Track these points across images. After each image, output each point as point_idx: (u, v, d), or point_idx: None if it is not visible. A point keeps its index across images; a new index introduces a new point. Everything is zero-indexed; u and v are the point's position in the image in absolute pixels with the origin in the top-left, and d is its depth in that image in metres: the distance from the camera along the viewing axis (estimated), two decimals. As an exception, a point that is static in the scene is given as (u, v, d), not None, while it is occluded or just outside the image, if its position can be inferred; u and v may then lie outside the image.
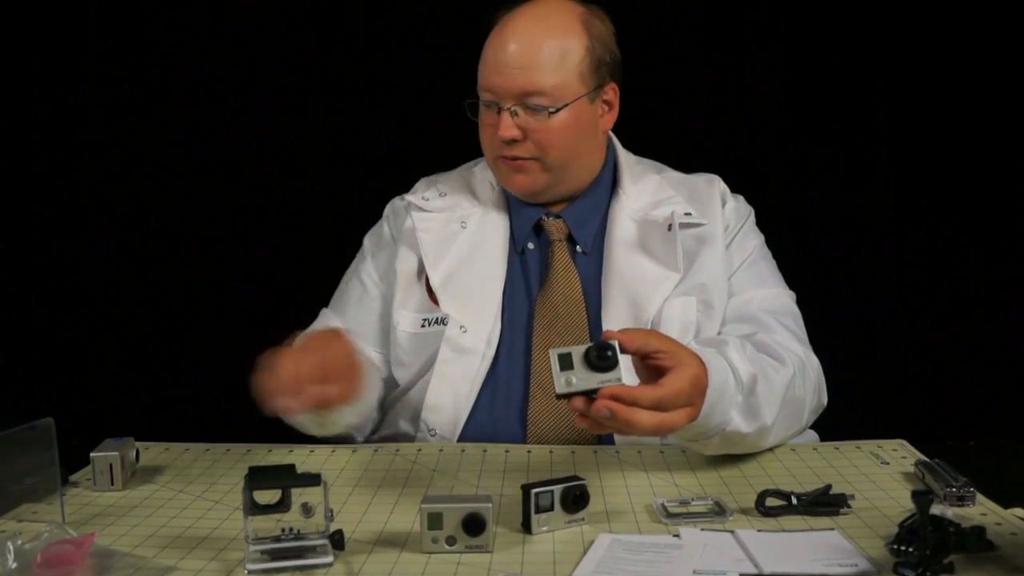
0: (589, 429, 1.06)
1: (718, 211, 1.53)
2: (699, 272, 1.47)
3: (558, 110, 1.45)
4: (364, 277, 1.60)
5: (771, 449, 1.33)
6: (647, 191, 1.57)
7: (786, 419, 1.30)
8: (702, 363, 1.12)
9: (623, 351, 1.05)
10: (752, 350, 1.29)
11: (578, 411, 1.04)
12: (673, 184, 1.58)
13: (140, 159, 2.19)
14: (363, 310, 1.57)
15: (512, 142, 1.46)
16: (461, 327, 1.46)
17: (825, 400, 1.43)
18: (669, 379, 1.06)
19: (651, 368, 1.08)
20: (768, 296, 1.49)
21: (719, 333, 1.45)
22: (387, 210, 1.65)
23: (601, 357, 1.03)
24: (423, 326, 1.50)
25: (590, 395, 1.03)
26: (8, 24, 2.16)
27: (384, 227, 1.63)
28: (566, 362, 1.03)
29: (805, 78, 2.10)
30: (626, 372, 1.05)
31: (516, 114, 1.45)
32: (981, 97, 2.06)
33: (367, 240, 1.65)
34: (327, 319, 1.57)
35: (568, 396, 1.03)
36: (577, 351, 1.03)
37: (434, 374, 1.45)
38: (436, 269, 1.51)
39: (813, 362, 1.41)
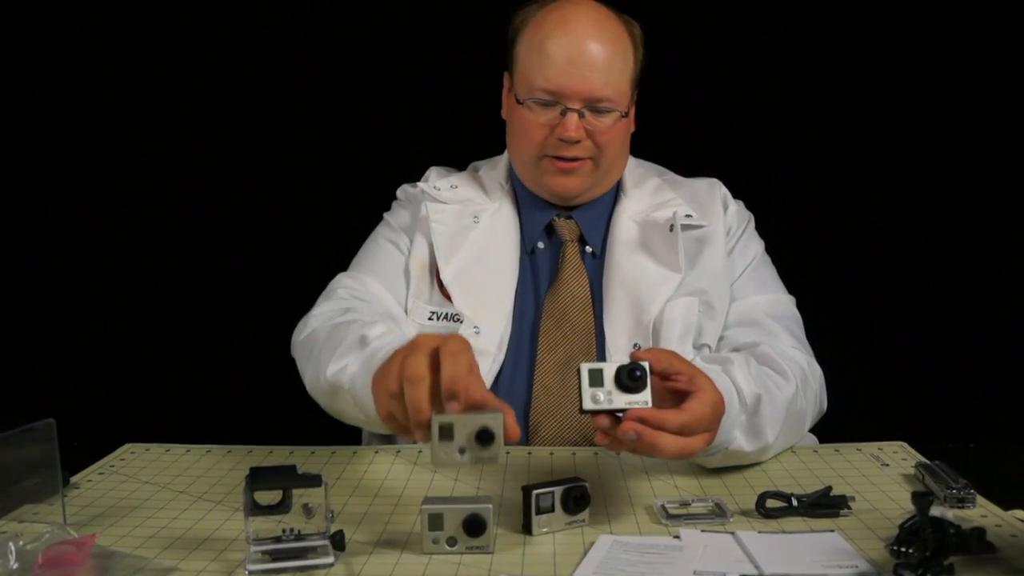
0: (609, 447, 1.05)
1: (719, 214, 1.54)
2: (701, 274, 1.47)
3: (624, 115, 1.47)
4: (400, 245, 1.56)
5: (771, 452, 1.33)
6: (648, 193, 1.57)
7: (788, 433, 1.31)
8: (718, 389, 1.11)
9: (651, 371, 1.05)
10: (755, 366, 1.29)
11: (601, 428, 1.03)
12: (674, 187, 1.59)
13: (141, 158, 2.20)
14: (401, 275, 1.53)
15: (575, 142, 1.45)
16: (475, 328, 1.46)
17: (825, 406, 1.43)
18: (692, 404, 1.06)
19: (668, 389, 1.08)
20: (771, 301, 1.49)
21: (722, 338, 1.46)
22: (400, 194, 1.64)
23: (632, 378, 1.02)
24: (430, 319, 1.49)
25: (615, 414, 1.03)
26: (8, 24, 2.16)
27: (405, 210, 1.61)
28: (596, 379, 1.03)
29: (807, 82, 2.11)
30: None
31: (583, 115, 1.44)
32: (981, 101, 2.06)
33: (390, 217, 1.62)
34: (359, 281, 1.50)
35: (594, 413, 1.03)
36: (608, 368, 1.03)
37: None
38: (448, 263, 1.50)
39: (815, 371, 1.41)
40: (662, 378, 1.08)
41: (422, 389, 0.97)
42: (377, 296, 1.49)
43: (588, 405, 1.03)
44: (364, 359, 1.20)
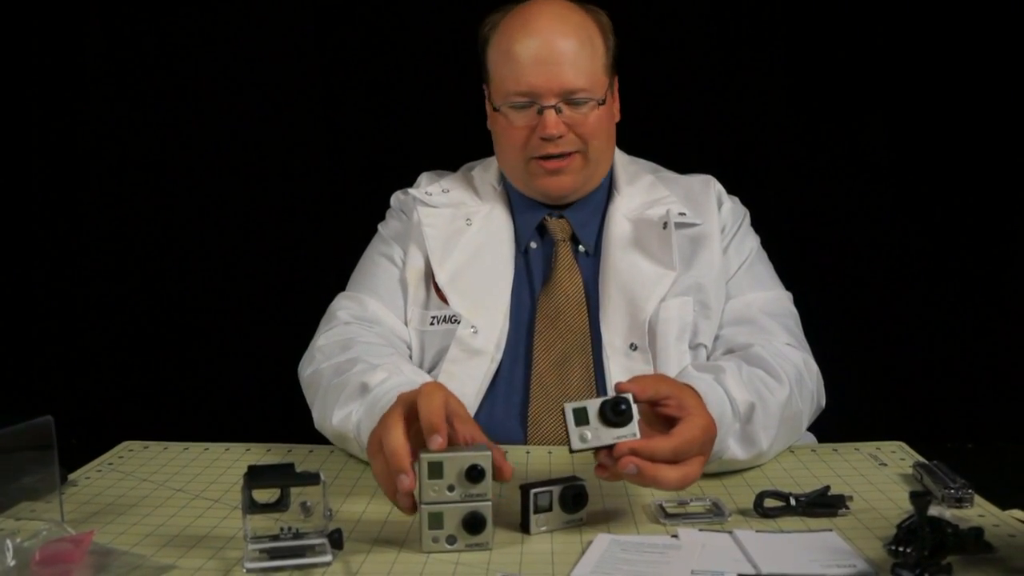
0: (608, 479, 1.07)
1: (714, 212, 1.53)
2: (696, 272, 1.47)
3: (602, 102, 1.47)
4: (395, 258, 1.56)
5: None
6: (642, 190, 1.57)
7: (784, 436, 1.31)
8: (708, 411, 1.12)
9: (636, 400, 1.05)
10: (748, 371, 1.29)
11: (600, 463, 1.05)
12: (667, 184, 1.59)
13: (140, 158, 2.20)
14: (398, 289, 1.53)
15: (557, 138, 1.45)
16: (472, 328, 1.46)
17: (823, 402, 1.43)
18: (682, 428, 1.06)
19: (658, 415, 1.09)
20: (768, 298, 1.49)
21: (718, 337, 1.46)
22: (393, 202, 1.64)
23: (616, 412, 1.03)
24: (432, 323, 1.49)
25: (608, 447, 1.04)
26: (8, 24, 2.16)
27: (398, 219, 1.62)
28: (581, 417, 1.04)
29: (803, 78, 2.10)
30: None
31: (559, 110, 1.45)
32: (981, 97, 2.06)
33: (383, 228, 1.63)
34: (357, 301, 1.51)
35: (583, 451, 1.04)
36: (592, 405, 1.04)
37: (441, 373, 1.45)
38: (442, 266, 1.50)
39: (812, 368, 1.41)
40: (651, 405, 1.08)
41: (394, 442, 1.01)
42: (376, 315, 1.50)
43: (577, 445, 1.03)
44: (367, 407, 1.25)
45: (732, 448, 1.21)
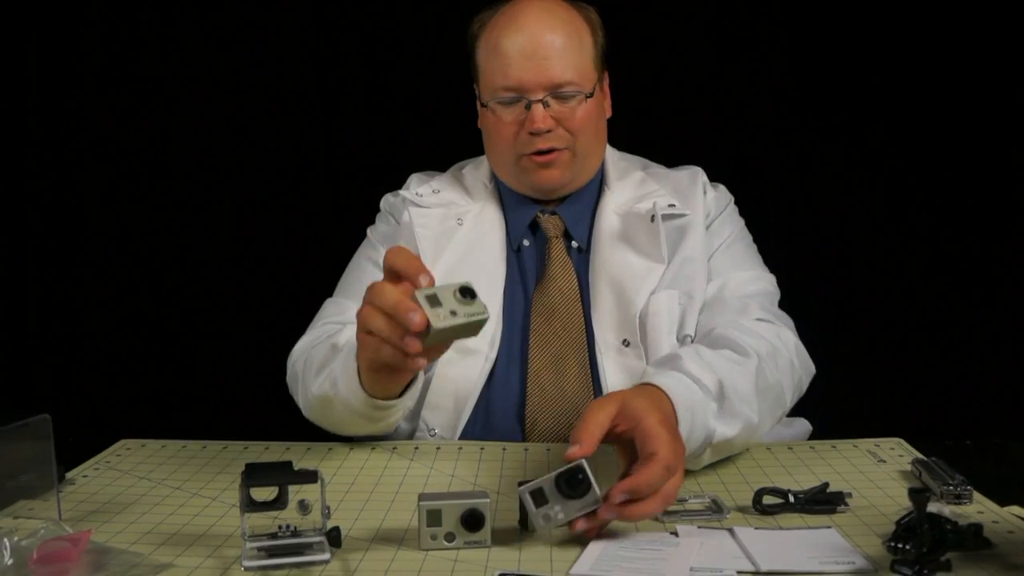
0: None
1: (700, 201, 1.54)
2: (681, 263, 1.47)
3: (590, 95, 1.47)
4: (380, 262, 1.55)
5: (768, 447, 1.33)
6: (631, 186, 1.57)
7: (768, 408, 1.28)
8: (653, 399, 1.08)
9: (588, 458, 1.01)
10: (709, 353, 1.25)
11: (580, 528, 1.01)
12: (657, 178, 1.59)
13: (136, 159, 2.19)
14: None
15: (546, 132, 1.46)
16: None
17: (812, 368, 1.41)
18: (649, 451, 1.01)
19: (618, 436, 1.05)
20: (745, 279, 1.48)
21: (697, 323, 1.45)
22: (383, 205, 1.65)
23: (572, 484, 0.99)
24: None
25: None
26: (7, 24, 2.15)
27: (386, 222, 1.63)
28: (539, 498, 1.00)
29: (799, 73, 2.10)
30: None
31: (547, 105, 1.45)
32: (979, 92, 2.06)
33: (372, 232, 1.64)
34: (341, 307, 1.52)
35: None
36: (547, 483, 1.00)
37: (436, 374, 1.45)
38: (434, 266, 1.49)
39: (787, 338, 1.38)
40: (607, 433, 1.04)
41: (389, 293, 1.08)
42: None
43: (542, 527, 1.00)
44: (341, 361, 1.26)
45: (718, 428, 1.17)
